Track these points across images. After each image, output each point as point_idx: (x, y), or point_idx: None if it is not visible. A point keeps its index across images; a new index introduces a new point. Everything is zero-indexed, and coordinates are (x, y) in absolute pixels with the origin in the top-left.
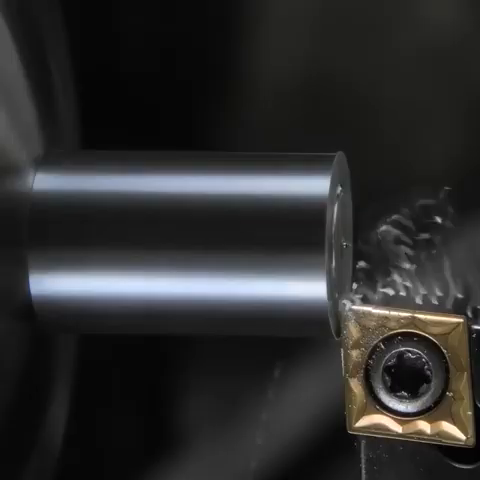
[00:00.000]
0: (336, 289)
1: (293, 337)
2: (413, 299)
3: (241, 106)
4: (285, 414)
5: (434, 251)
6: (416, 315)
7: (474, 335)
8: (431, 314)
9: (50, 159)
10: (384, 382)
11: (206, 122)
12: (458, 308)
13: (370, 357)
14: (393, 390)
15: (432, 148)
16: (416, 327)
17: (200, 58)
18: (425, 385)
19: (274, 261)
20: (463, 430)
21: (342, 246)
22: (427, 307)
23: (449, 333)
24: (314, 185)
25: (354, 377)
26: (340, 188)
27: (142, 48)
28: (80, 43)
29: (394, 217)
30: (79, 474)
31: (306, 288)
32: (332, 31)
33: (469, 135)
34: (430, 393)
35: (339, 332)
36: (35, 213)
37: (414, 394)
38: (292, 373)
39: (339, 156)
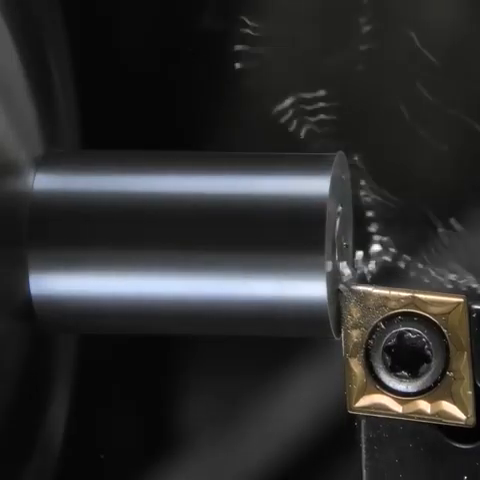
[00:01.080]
0: (336, 288)
1: (293, 337)
2: None
3: (241, 106)
4: (285, 414)
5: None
6: (416, 295)
7: (474, 315)
8: (431, 294)
9: (50, 159)
10: (384, 362)
11: (206, 121)
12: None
13: (370, 337)
14: (393, 370)
15: (432, 148)
16: (416, 307)
17: (200, 57)
18: (425, 365)
19: (275, 261)
20: (463, 410)
21: (342, 246)
22: (428, 287)
23: (449, 313)
24: (314, 185)
25: (354, 357)
26: (340, 207)
27: (142, 48)
28: (80, 43)
29: None
30: (79, 474)
31: (306, 287)
32: (332, 31)
33: (469, 135)
34: (430, 373)
35: (339, 332)
36: (35, 213)
37: (414, 374)
38: (292, 373)
39: (339, 156)
